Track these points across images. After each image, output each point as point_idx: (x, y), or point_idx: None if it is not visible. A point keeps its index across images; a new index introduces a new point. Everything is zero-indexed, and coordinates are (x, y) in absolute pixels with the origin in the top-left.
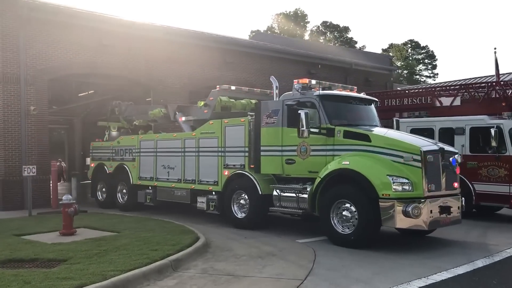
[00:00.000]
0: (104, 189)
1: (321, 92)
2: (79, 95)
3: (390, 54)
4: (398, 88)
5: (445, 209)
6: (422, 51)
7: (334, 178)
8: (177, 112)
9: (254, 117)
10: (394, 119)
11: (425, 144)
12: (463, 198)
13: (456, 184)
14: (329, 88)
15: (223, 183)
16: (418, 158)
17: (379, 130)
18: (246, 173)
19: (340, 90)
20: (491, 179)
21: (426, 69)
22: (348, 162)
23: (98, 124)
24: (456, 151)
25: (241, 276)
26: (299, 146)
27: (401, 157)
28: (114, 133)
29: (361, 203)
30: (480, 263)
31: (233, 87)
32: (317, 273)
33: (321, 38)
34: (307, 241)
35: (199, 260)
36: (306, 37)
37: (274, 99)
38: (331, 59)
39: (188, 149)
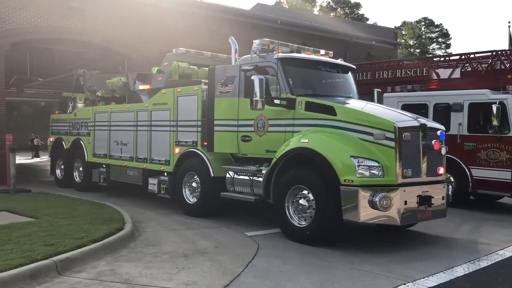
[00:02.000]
0: (62, 167)
1: (281, 55)
2: (69, 67)
3: (403, 32)
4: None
5: (424, 200)
6: (436, 30)
7: (291, 159)
8: (137, 81)
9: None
10: (375, 90)
11: (402, 119)
12: (450, 186)
13: (441, 169)
14: (298, 52)
15: (174, 163)
16: (392, 136)
17: (349, 102)
18: (198, 151)
19: (309, 54)
20: (491, 163)
21: (440, 48)
22: (307, 140)
23: (63, 95)
24: (442, 127)
25: (138, 286)
26: (256, 120)
27: (371, 134)
28: (80, 105)
29: (319, 190)
30: (460, 270)
31: (192, 51)
32: (241, 282)
33: (331, 14)
34: (258, 234)
35: (106, 258)
36: (316, 12)
37: (233, 64)
38: (329, 31)
39: (140, 122)
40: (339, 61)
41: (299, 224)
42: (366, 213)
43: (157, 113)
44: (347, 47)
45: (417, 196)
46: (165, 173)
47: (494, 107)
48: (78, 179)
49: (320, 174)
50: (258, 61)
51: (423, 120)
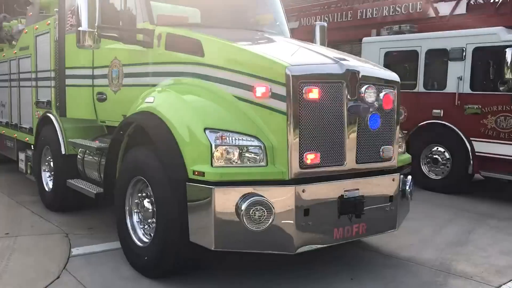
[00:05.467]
0: None
1: None
2: None
3: None
4: None
5: (349, 205)
6: None
7: (134, 131)
8: None
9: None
10: (317, 24)
11: (307, 61)
12: (409, 176)
13: (387, 150)
14: None
15: (35, 132)
16: (281, 91)
17: (238, 36)
18: (52, 116)
19: None
20: (501, 134)
21: None
22: (152, 100)
23: None
24: (393, 77)
25: None
26: (110, 67)
27: (251, 88)
28: None
29: (159, 187)
30: None
31: None
32: None
33: None
34: (93, 252)
35: None
36: None
37: None
38: None
39: (13, 76)
40: None
41: (140, 241)
42: (225, 233)
43: (23, 61)
44: None
45: (337, 198)
46: (32, 146)
47: (509, 53)
48: None
49: (162, 158)
50: None
51: (352, 63)
